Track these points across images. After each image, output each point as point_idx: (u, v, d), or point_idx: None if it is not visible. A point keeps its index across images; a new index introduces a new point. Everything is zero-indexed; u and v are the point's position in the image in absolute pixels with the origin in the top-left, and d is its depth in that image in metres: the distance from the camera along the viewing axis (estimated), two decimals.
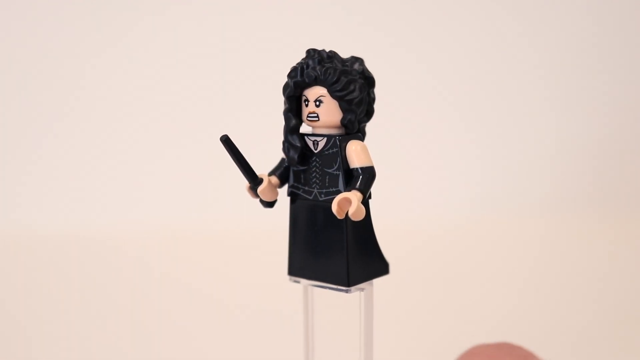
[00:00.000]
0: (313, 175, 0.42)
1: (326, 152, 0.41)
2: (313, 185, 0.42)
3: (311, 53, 0.42)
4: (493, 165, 1.16)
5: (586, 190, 1.14)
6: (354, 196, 0.39)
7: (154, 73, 1.14)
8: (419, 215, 1.07)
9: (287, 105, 0.42)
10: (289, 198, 0.44)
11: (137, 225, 1.04)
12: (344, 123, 0.41)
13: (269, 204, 0.44)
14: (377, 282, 0.44)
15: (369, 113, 0.43)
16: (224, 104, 1.14)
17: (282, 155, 0.44)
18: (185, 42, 1.15)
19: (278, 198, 0.44)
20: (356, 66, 0.42)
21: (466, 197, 1.13)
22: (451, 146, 1.16)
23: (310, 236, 0.43)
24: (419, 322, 0.69)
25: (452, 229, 1.04)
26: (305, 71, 0.41)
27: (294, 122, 0.42)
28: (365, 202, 0.40)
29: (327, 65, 0.41)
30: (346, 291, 0.42)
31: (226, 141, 0.41)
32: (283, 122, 0.43)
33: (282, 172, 0.44)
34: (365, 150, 0.41)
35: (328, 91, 0.41)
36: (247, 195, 0.44)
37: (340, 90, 0.40)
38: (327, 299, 0.44)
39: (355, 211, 0.38)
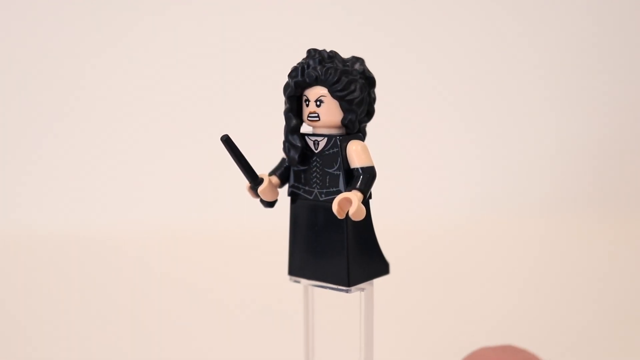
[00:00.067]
0: (313, 175, 0.42)
1: (327, 152, 0.41)
2: (313, 185, 0.42)
3: (312, 53, 0.42)
4: (493, 165, 1.16)
5: (586, 190, 1.14)
6: (355, 196, 0.39)
7: (154, 73, 1.14)
8: (419, 215, 1.07)
9: (287, 105, 0.42)
10: (289, 198, 0.44)
11: (137, 225, 1.04)
12: (344, 123, 0.41)
13: (270, 204, 0.44)
14: (377, 282, 0.44)
15: (369, 113, 0.43)
16: (224, 104, 1.14)
17: (282, 155, 0.44)
18: (185, 42, 1.15)
19: (278, 198, 0.44)
20: (357, 66, 0.42)
21: (466, 197, 1.13)
22: (451, 146, 1.16)
23: (310, 236, 0.43)
24: (419, 322, 0.69)
25: (452, 229, 1.04)
26: (306, 71, 0.41)
27: (294, 122, 0.42)
28: (365, 202, 0.40)
29: (328, 65, 0.41)
30: (346, 291, 0.42)
31: (227, 141, 0.41)
32: (283, 122, 0.43)
33: (283, 172, 0.44)
34: (365, 150, 0.41)
35: (329, 91, 0.41)
36: (248, 195, 0.44)
37: (341, 90, 0.40)
38: (327, 299, 0.44)
39: (355, 211, 0.38)
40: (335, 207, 0.39)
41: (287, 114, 0.42)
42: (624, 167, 1.17)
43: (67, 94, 1.15)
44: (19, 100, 1.15)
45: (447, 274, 0.86)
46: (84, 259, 0.93)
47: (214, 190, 1.09)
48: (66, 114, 1.14)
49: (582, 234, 1.03)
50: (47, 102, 1.14)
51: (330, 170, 0.41)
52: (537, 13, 1.17)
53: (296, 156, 0.42)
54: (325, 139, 0.41)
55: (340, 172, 0.41)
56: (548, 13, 1.17)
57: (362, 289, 0.43)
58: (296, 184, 0.43)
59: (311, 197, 0.42)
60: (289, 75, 0.42)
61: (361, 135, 0.43)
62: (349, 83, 0.40)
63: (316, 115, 0.41)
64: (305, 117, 0.42)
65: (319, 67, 0.41)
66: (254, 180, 0.43)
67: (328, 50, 0.42)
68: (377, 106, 0.43)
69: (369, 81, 0.42)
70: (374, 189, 0.41)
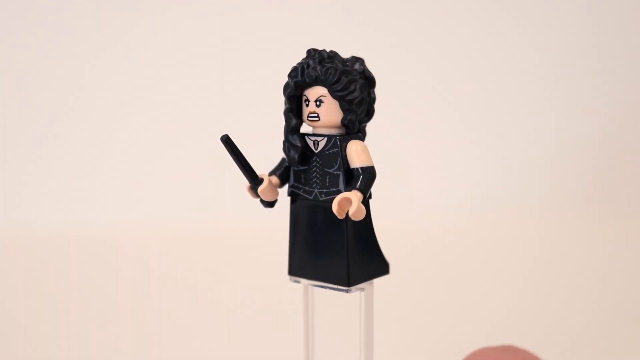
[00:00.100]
0: (313, 175, 0.42)
1: (327, 152, 0.41)
2: (313, 185, 0.42)
3: (312, 53, 0.42)
4: (493, 165, 1.16)
5: (586, 190, 1.14)
6: (355, 196, 0.39)
7: (154, 73, 1.14)
8: (419, 215, 1.07)
9: (287, 105, 0.42)
10: (289, 198, 0.44)
11: (137, 225, 1.04)
12: (344, 123, 0.41)
13: (270, 204, 0.44)
14: (377, 282, 0.44)
15: (369, 113, 0.43)
16: (224, 104, 1.14)
17: (282, 155, 0.44)
18: (185, 42, 1.15)
19: (278, 198, 0.44)
20: (357, 66, 0.42)
21: (466, 197, 1.13)
22: (451, 146, 1.16)
23: (310, 236, 0.43)
24: (419, 322, 0.69)
25: (452, 229, 1.04)
26: (306, 71, 0.41)
27: (294, 122, 0.42)
28: (365, 202, 0.40)
29: (328, 65, 0.41)
30: (346, 291, 0.42)
31: (226, 141, 0.41)
32: (283, 122, 0.43)
33: (283, 172, 0.44)
34: (365, 150, 0.41)
35: (329, 91, 0.41)
36: (248, 195, 0.44)
37: (340, 90, 0.40)
38: (327, 298, 0.44)
39: (355, 211, 0.38)
40: (335, 207, 0.39)
41: (287, 114, 0.42)
42: (624, 167, 1.17)
43: (67, 94, 1.15)
44: (19, 100, 1.15)
45: (447, 274, 0.86)
46: (84, 259, 0.93)
47: (214, 190, 1.09)
48: (66, 114, 1.14)
49: (582, 234, 1.03)
50: (47, 102, 1.14)
51: (330, 170, 0.41)
52: (537, 13, 1.17)
53: (296, 156, 0.42)
54: (325, 139, 0.41)
55: (340, 172, 0.41)
56: (548, 13, 1.17)
57: (362, 289, 0.43)
58: (296, 184, 0.43)
59: (311, 197, 0.42)
60: (289, 75, 0.42)
61: (361, 135, 0.43)
62: (348, 83, 0.40)
63: (316, 115, 0.41)
64: (305, 117, 0.42)
65: (318, 67, 0.41)
66: (254, 180, 0.43)
67: (328, 50, 0.42)
68: (377, 106, 0.43)
69: (369, 81, 0.42)
70: (374, 189, 0.41)
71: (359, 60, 0.42)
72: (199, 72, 1.14)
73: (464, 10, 1.16)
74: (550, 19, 1.17)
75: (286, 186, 0.44)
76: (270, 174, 0.44)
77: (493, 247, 0.98)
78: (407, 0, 1.16)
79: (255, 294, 0.77)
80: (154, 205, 1.10)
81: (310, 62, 0.41)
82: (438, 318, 0.70)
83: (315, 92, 0.41)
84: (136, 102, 1.14)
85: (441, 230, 1.04)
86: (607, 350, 0.61)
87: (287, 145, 0.42)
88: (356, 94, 0.41)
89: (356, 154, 0.41)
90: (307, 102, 0.42)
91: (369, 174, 0.40)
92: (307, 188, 0.43)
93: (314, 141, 0.42)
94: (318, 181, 0.42)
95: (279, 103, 0.43)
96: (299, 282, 0.44)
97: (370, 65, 0.43)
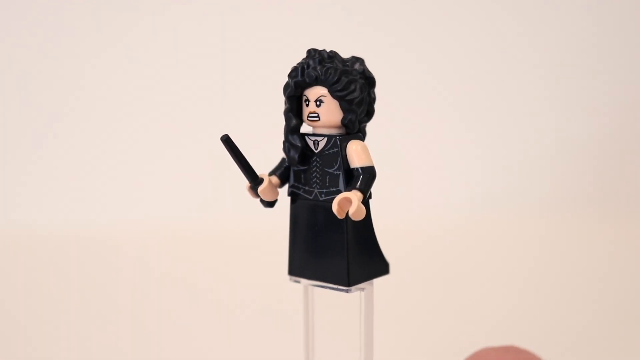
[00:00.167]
0: (313, 175, 0.42)
1: (327, 152, 0.41)
2: (313, 185, 0.42)
3: (312, 53, 0.42)
4: (493, 165, 1.16)
5: (586, 190, 1.14)
6: (355, 196, 0.39)
7: (154, 73, 1.14)
8: (419, 215, 1.07)
9: (287, 105, 0.42)
10: (289, 198, 0.44)
11: (137, 225, 1.04)
12: (344, 123, 0.41)
13: (270, 204, 0.44)
14: (377, 282, 0.44)
15: (369, 113, 0.43)
16: (224, 104, 1.14)
17: (282, 155, 0.44)
18: (185, 42, 1.15)
19: (278, 198, 0.44)
20: (357, 66, 0.42)
21: (466, 197, 1.13)
22: (451, 146, 1.16)
23: (310, 236, 0.43)
24: (419, 322, 0.69)
25: (452, 229, 1.04)
26: (306, 71, 0.41)
27: (294, 122, 0.42)
28: (365, 202, 0.40)
29: (328, 65, 0.41)
30: (346, 291, 0.42)
31: (227, 141, 0.41)
32: (283, 122, 0.43)
33: (283, 172, 0.44)
34: (365, 150, 0.41)
35: (329, 91, 0.41)
36: (248, 195, 0.44)
37: (340, 90, 0.40)
38: (327, 298, 0.44)
39: (355, 211, 0.38)
40: (335, 207, 0.39)
41: (287, 114, 0.42)
42: (624, 167, 1.17)
43: (67, 94, 1.15)
44: (19, 100, 1.15)
45: (447, 274, 0.86)
46: (84, 259, 0.93)
47: (214, 190, 1.09)
48: (66, 114, 1.14)
49: (582, 234, 1.03)
50: (47, 102, 1.14)
51: (330, 170, 0.41)
52: (537, 13, 1.17)
53: (296, 156, 0.42)
54: (325, 138, 0.41)
55: (340, 172, 0.41)
56: (548, 13, 1.17)
57: (362, 289, 0.43)
58: (296, 184, 0.43)
59: (311, 197, 0.42)
60: (289, 75, 0.42)
61: (361, 135, 0.43)
62: (348, 83, 0.40)
63: (316, 115, 0.41)
64: (305, 117, 0.42)
65: (318, 67, 0.41)
66: (254, 180, 0.43)
67: (328, 50, 0.42)
68: (377, 106, 0.43)
69: (369, 81, 0.42)
70: (374, 189, 0.41)
71: (359, 60, 0.42)
72: (199, 72, 1.14)
73: (464, 10, 1.16)
74: (550, 19, 1.17)
75: (286, 186, 0.44)
76: (270, 174, 0.44)
77: (493, 247, 0.98)
78: (407, 0, 1.16)
79: (255, 294, 0.77)
80: (154, 205, 1.10)
81: (311, 62, 0.41)
82: (438, 318, 0.70)
83: (316, 92, 0.41)
84: (136, 102, 1.14)
85: (441, 230, 1.04)
86: (607, 350, 0.61)
87: (287, 145, 0.42)
88: (356, 94, 0.41)
89: (356, 153, 0.41)
90: (307, 102, 0.42)
91: (369, 174, 0.40)
92: (307, 188, 0.43)
93: (314, 141, 0.42)
94: (318, 181, 0.42)
95: (279, 103, 0.43)
96: (299, 282, 0.44)
97: (370, 65, 0.43)
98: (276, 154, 0.45)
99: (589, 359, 0.60)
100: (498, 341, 0.52)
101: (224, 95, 1.14)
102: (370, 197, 0.42)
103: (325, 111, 0.41)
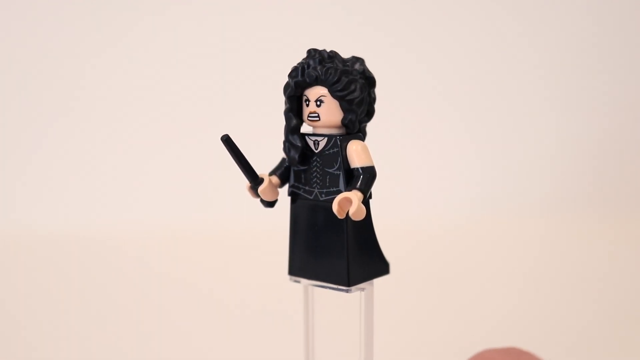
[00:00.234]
0: (314, 175, 0.42)
1: (327, 152, 0.41)
2: (314, 185, 0.42)
3: (312, 53, 0.42)
4: (493, 165, 1.16)
5: (586, 190, 1.14)
6: (355, 196, 0.39)
7: (154, 73, 1.14)
8: (419, 215, 1.07)
9: (287, 105, 0.42)
10: (289, 198, 0.44)
11: (137, 225, 1.04)
12: (344, 123, 0.41)
13: (270, 204, 0.44)
14: (378, 282, 0.44)
15: (369, 113, 0.43)
16: (224, 104, 1.14)
17: (282, 155, 0.44)
18: (185, 42, 1.15)
19: (278, 198, 0.44)
20: (357, 66, 0.42)
21: (466, 197, 1.13)
22: (451, 146, 1.16)
23: (310, 236, 0.43)
24: (419, 322, 0.69)
25: (452, 229, 1.04)
26: (306, 71, 0.41)
27: (294, 122, 0.42)
28: (365, 202, 0.40)
29: (328, 65, 0.41)
30: (346, 291, 0.42)
31: (227, 141, 0.41)
32: (284, 122, 0.43)
33: (283, 172, 0.44)
34: (365, 150, 0.41)
35: (329, 91, 0.41)
36: (248, 195, 0.44)
37: (341, 90, 0.40)
38: (327, 298, 0.44)
39: (355, 211, 0.38)
40: (335, 207, 0.39)
41: (287, 114, 0.42)
42: (624, 167, 1.17)
43: (67, 94, 1.15)
44: (19, 100, 1.15)
45: (447, 274, 0.86)
46: (84, 259, 0.93)
47: (214, 190, 1.09)
48: (66, 114, 1.14)
49: (582, 234, 1.03)
50: (47, 102, 1.14)
51: (330, 170, 0.41)
52: (537, 13, 1.17)
53: (296, 156, 0.42)
54: (326, 138, 0.41)
55: (341, 172, 0.41)
56: (548, 13, 1.17)
57: (362, 289, 0.43)
58: (296, 184, 0.43)
59: (311, 197, 0.42)
60: (289, 75, 0.42)
61: (361, 135, 0.43)
62: (349, 83, 0.40)
63: (316, 115, 0.41)
64: (305, 117, 0.42)
65: (319, 67, 0.41)
66: (254, 180, 0.43)
67: (328, 50, 0.42)
68: (377, 106, 0.43)
69: (369, 81, 0.42)
70: (374, 189, 0.41)
71: (359, 60, 0.42)
72: (199, 72, 1.14)
73: (464, 10, 1.16)
74: (550, 19, 1.17)
75: (286, 186, 0.44)
76: (271, 173, 0.44)
77: (493, 247, 0.98)
78: (407, 0, 1.16)
79: (255, 294, 0.77)
80: (154, 205, 1.10)
81: (311, 62, 0.41)
82: (438, 318, 0.70)
83: (316, 92, 0.41)
84: (136, 102, 1.14)
85: (441, 230, 1.04)
86: (607, 350, 0.61)
87: (288, 145, 0.42)
88: (356, 94, 0.41)
89: (356, 153, 0.41)
90: (307, 102, 0.42)
91: (369, 173, 0.40)
92: (307, 188, 0.43)
93: (314, 141, 0.42)
94: (318, 181, 0.42)
95: (279, 103, 0.43)
96: (299, 282, 0.44)
97: (370, 65, 0.43)
98: (276, 154, 0.45)
99: (589, 359, 0.60)
100: (498, 341, 0.52)
101: (224, 95, 1.14)
102: (370, 197, 0.42)
103: (325, 111, 0.41)
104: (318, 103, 0.41)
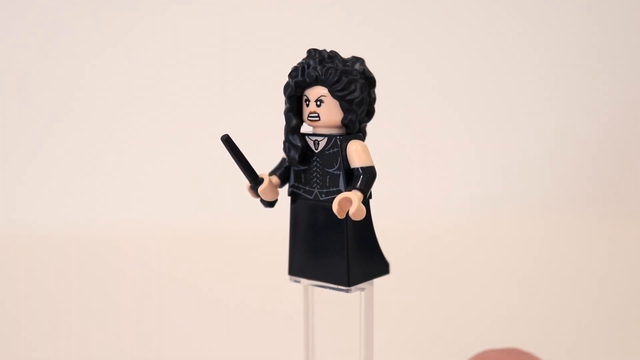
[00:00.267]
0: (314, 175, 0.42)
1: (327, 152, 0.41)
2: (314, 185, 0.42)
3: (312, 53, 0.42)
4: (493, 165, 1.16)
5: (586, 190, 1.14)
6: (355, 196, 0.39)
7: (154, 73, 1.14)
8: (419, 215, 1.07)
9: (287, 105, 0.42)
10: (289, 198, 0.44)
11: (137, 225, 1.04)
12: (344, 123, 0.41)
13: (270, 204, 0.44)
14: (378, 282, 0.44)
15: (369, 113, 0.43)
16: (224, 104, 1.14)
17: (282, 155, 0.44)
18: (185, 42, 1.15)
19: (278, 198, 0.44)
20: (357, 66, 0.42)
21: (466, 197, 1.13)
22: (451, 146, 1.16)
23: (310, 236, 0.43)
24: (419, 322, 0.69)
25: (452, 229, 1.04)
26: (306, 71, 0.41)
27: (294, 122, 0.42)
28: (365, 202, 0.40)
29: (328, 65, 0.41)
30: (346, 291, 0.42)
31: (227, 141, 0.41)
32: (284, 122, 0.43)
33: (283, 172, 0.44)
34: (365, 150, 0.41)
35: (329, 91, 0.41)
36: (248, 195, 0.44)
37: (341, 90, 0.40)
38: (327, 298, 0.44)
39: (355, 211, 0.38)
40: (335, 207, 0.39)
41: (287, 114, 0.42)
42: (624, 167, 1.17)
43: (67, 94, 1.15)
44: (19, 100, 1.15)
45: (447, 274, 0.86)
46: (84, 259, 0.93)
47: (214, 190, 1.09)
48: (66, 114, 1.14)
49: (582, 234, 1.03)
50: (47, 102, 1.14)
51: (330, 170, 0.41)
52: (537, 13, 1.17)
53: (296, 156, 0.42)
54: (326, 138, 0.41)
55: (341, 172, 0.41)
56: (548, 13, 1.17)
57: (362, 289, 0.43)
58: (296, 184, 0.43)
59: (311, 197, 0.42)
60: (289, 75, 0.42)
61: (361, 135, 0.43)
62: (349, 83, 0.40)
63: (316, 115, 0.41)
64: (305, 117, 0.42)
65: (319, 67, 0.41)
66: (254, 180, 0.43)
67: (328, 50, 0.42)
68: (377, 106, 0.43)
69: (369, 81, 0.42)
70: (374, 189, 0.41)
71: (359, 60, 0.42)
72: (199, 72, 1.14)
73: (464, 10, 1.16)
74: (550, 19, 1.17)
75: (286, 186, 0.44)
76: (271, 173, 0.44)
77: (493, 247, 0.98)
78: (407, 0, 1.16)
79: (255, 294, 0.77)
80: (154, 205, 1.10)
81: (311, 62, 0.41)
82: (438, 318, 0.70)
83: (316, 92, 0.41)
84: (136, 102, 1.14)
85: (441, 230, 1.04)
86: (607, 350, 0.61)
87: (288, 145, 0.42)
88: (356, 94, 0.41)
89: (356, 153, 0.41)
90: (307, 102, 0.42)
91: (369, 173, 0.40)
92: (307, 188, 0.43)
93: (314, 141, 0.42)
94: (318, 181, 0.42)
95: (279, 103, 0.43)
96: (299, 282, 0.44)
97: (370, 65, 0.43)
98: (276, 154, 0.45)
99: (588, 359, 0.60)
100: (498, 341, 0.52)
101: (224, 95, 1.14)
102: (370, 197, 0.42)
103: (325, 111, 0.41)
104: (318, 103, 0.41)
